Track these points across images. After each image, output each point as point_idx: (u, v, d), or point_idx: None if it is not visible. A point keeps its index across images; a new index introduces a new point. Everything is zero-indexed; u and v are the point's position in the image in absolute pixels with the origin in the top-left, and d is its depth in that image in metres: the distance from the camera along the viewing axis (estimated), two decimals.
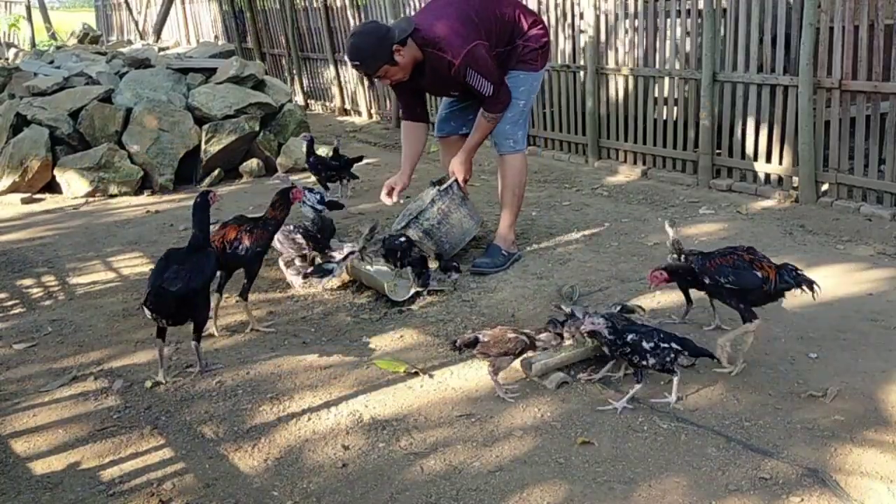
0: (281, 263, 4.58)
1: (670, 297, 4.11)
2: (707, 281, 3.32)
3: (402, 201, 4.93)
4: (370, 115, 10.51)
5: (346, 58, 4.59)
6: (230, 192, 6.84)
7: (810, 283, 3.28)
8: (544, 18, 7.48)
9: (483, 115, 4.58)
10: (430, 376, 3.43)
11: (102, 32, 17.52)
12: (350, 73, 10.64)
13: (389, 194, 4.74)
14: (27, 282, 4.93)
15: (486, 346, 3.18)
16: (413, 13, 8.88)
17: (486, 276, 4.51)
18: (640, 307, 3.64)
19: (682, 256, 3.60)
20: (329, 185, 6.17)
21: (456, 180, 4.72)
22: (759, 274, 3.23)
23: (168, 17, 15.91)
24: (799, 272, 3.30)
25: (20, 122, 7.33)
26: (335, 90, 11.08)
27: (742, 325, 3.31)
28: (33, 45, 16.82)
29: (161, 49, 11.51)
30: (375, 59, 4.31)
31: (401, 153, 4.94)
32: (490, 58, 4.41)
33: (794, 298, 4.02)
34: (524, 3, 7.43)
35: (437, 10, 4.56)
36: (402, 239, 4.38)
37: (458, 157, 4.74)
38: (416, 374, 3.44)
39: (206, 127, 7.39)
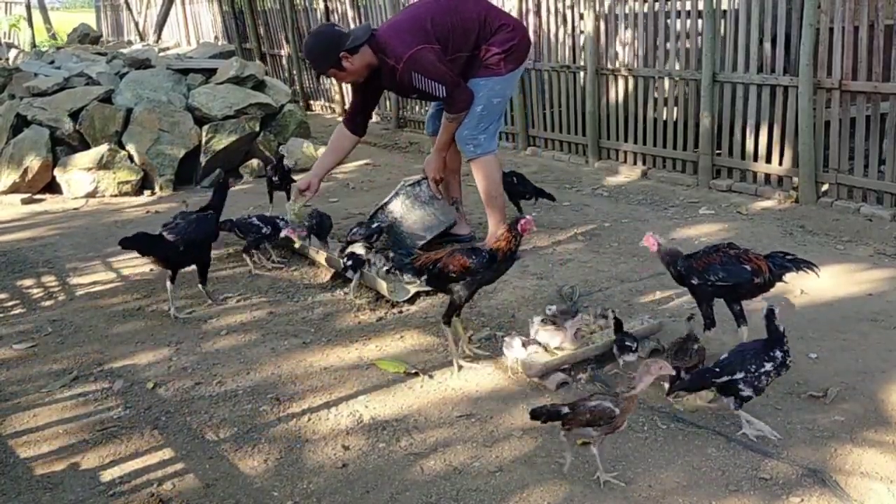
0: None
1: (669, 297, 4.11)
2: (695, 281, 3.26)
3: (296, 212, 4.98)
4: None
5: None
6: (230, 192, 6.81)
7: (809, 265, 3.23)
8: (544, 18, 7.51)
9: (445, 117, 4.67)
10: (430, 376, 3.43)
11: (102, 33, 17.54)
12: None
13: (296, 199, 4.95)
14: (27, 282, 4.93)
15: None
16: None
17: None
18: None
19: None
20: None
21: (426, 179, 4.82)
22: (747, 267, 3.19)
23: (168, 18, 15.91)
24: (790, 256, 3.26)
25: (20, 123, 7.34)
26: (335, 91, 11.08)
27: (738, 330, 3.30)
28: (33, 45, 16.83)
29: (161, 49, 11.53)
30: (323, 62, 4.52)
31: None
32: (440, 61, 4.45)
33: (794, 299, 4.03)
34: (519, 3, 7.48)
35: (395, 17, 4.74)
36: (375, 226, 4.73)
37: (430, 157, 4.87)
38: (416, 374, 3.45)
39: (206, 127, 7.39)
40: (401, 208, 4.81)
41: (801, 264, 3.22)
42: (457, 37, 4.55)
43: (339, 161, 5.04)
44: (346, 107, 5.12)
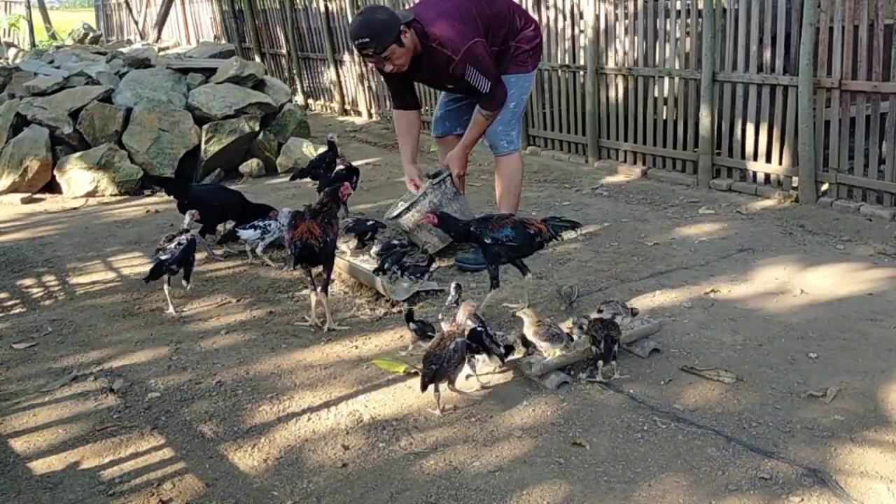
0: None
1: (669, 297, 4.11)
2: (488, 241, 3.80)
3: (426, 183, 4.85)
4: (370, 115, 10.51)
5: (351, 39, 4.48)
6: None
7: (574, 225, 3.96)
8: (544, 18, 7.51)
9: (479, 113, 4.58)
10: None
11: (102, 32, 17.55)
12: (350, 74, 10.64)
13: (416, 187, 4.78)
14: (27, 282, 4.93)
15: (445, 371, 3.06)
16: None
17: (487, 276, 4.51)
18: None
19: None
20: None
21: (450, 175, 4.77)
22: (531, 230, 3.80)
23: (168, 17, 15.91)
24: (559, 221, 3.93)
25: (20, 122, 7.34)
26: (335, 90, 11.08)
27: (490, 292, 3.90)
28: (33, 44, 16.82)
29: (161, 49, 11.52)
30: (385, 36, 4.20)
31: (398, 153, 4.95)
32: (489, 56, 4.41)
33: (794, 298, 4.04)
34: (520, 2, 7.49)
35: (438, 5, 4.51)
36: (370, 223, 4.82)
37: (454, 153, 4.78)
38: (416, 374, 3.44)
39: (205, 127, 7.39)
40: (428, 207, 4.73)
41: (562, 228, 3.92)
42: (493, 31, 4.51)
43: (418, 135, 4.91)
44: (391, 95, 4.96)
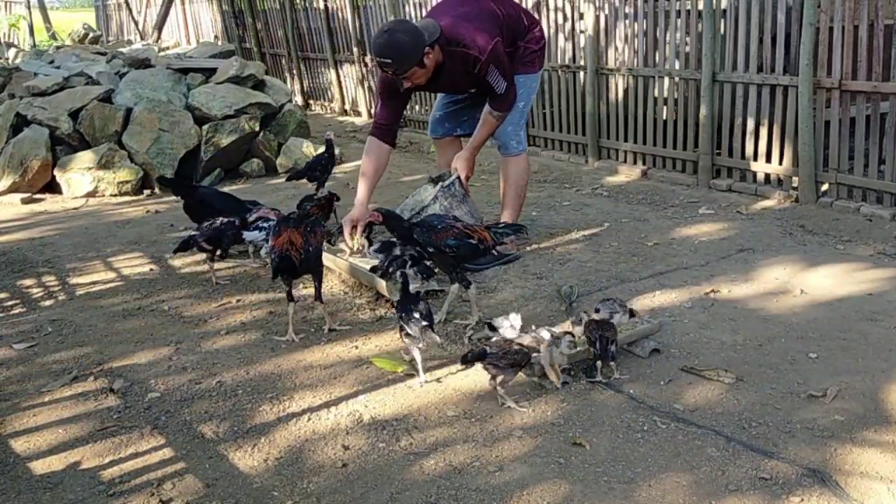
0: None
1: (669, 297, 4.11)
2: (431, 250, 3.82)
3: (364, 246, 4.45)
4: (370, 116, 10.50)
5: (373, 55, 4.35)
6: (230, 192, 6.82)
7: (519, 229, 4.10)
8: (544, 18, 7.52)
9: (490, 114, 4.57)
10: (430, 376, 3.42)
11: (102, 32, 17.56)
12: (350, 74, 10.64)
13: (352, 234, 4.32)
14: (27, 282, 4.93)
15: (495, 357, 3.12)
16: (413, 13, 8.89)
17: (487, 276, 4.51)
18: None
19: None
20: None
21: (458, 178, 4.73)
22: (473, 240, 3.82)
23: (168, 17, 15.91)
24: (501, 228, 4.02)
25: (20, 122, 7.34)
26: (335, 90, 11.08)
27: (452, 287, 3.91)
28: (33, 45, 16.83)
29: (161, 49, 11.53)
30: (409, 59, 4.14)
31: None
32: (505, 56, 4.44)
33: (794, 298, 4.04)
34: (523, 3, 7.50)
35: (455, 9, 4.50)
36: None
37: (463, 154, 4.73)
38: (416, 374, 3.44)
39: (206, 127, 7.40)
40: (440, 211, 4.70)
41: (505, 235, 4.01)
42: (507, 31, 4.53)
43: (380, 177, 4.69)
44: (376, 119, 4.71)
